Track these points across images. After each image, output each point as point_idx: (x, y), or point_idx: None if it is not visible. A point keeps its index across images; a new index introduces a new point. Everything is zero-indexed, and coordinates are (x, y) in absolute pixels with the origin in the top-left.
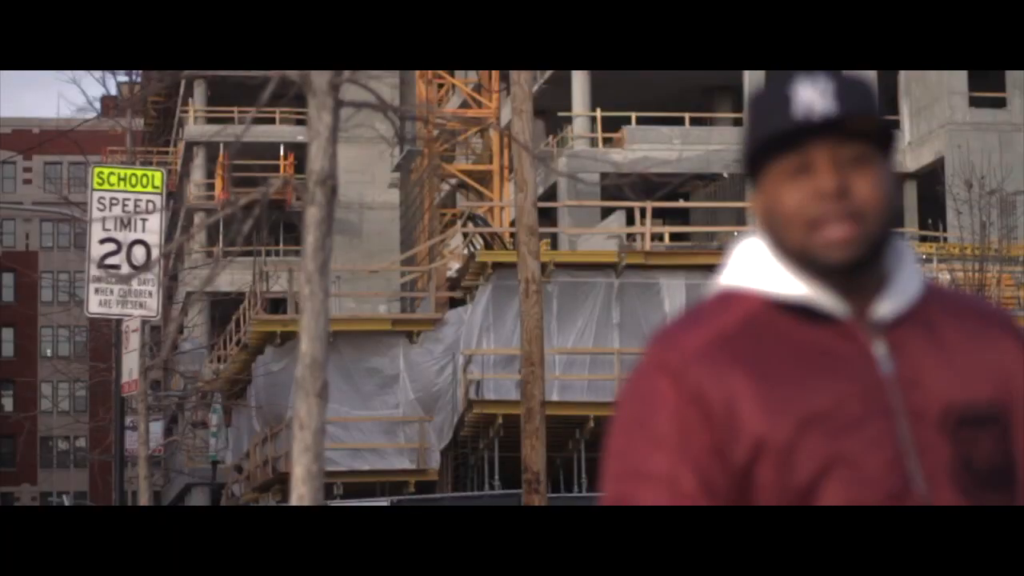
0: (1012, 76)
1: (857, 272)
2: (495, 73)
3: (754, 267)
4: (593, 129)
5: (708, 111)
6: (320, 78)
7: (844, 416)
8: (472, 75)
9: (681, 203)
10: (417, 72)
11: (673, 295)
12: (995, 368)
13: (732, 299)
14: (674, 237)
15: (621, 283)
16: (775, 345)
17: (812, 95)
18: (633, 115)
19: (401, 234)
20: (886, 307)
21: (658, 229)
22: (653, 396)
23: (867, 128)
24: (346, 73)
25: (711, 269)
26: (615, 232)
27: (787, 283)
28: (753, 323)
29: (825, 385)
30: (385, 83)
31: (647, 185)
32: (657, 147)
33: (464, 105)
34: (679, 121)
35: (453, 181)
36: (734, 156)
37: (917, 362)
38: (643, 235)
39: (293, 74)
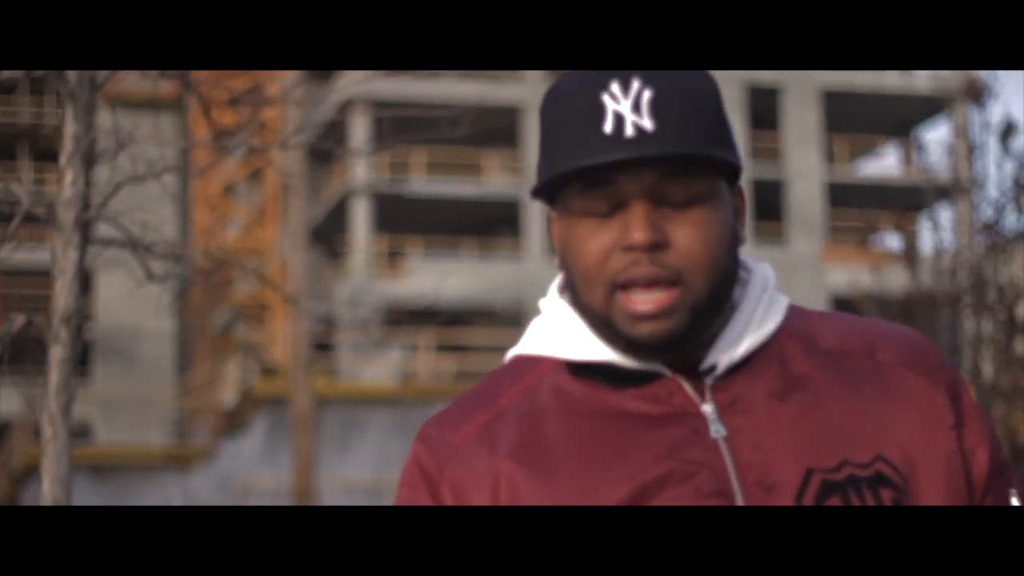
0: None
1: (674, 348)
2: (274, 200)
3: (551, 326)
4: (374, 259)
5: (490, 243)
6: (67, 214)
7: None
8: (254, 200)
9: (462, 336)
10: (196, 197)
11: None
12: (890, 416)
13: (519, 369)
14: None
15: (401, 415)
16: (565, 425)
17: (624, 107)
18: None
19: (178, 362)
20: (720, 355)
21: (446, 364)
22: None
23: (697, 159)
24: (93, 210)
25: None
26: (407, 363)
27: (587, 343)
28: (537, 399)
29: (631, 466)
30: (127, 213)
31: (428, 317)
32: (439, 278)
33: (245, 232)
34: (462, 254)
35: (231, 311)
36: (513, 292)
37: (764, 419)
38: (424, 368)
39: (39, 209)
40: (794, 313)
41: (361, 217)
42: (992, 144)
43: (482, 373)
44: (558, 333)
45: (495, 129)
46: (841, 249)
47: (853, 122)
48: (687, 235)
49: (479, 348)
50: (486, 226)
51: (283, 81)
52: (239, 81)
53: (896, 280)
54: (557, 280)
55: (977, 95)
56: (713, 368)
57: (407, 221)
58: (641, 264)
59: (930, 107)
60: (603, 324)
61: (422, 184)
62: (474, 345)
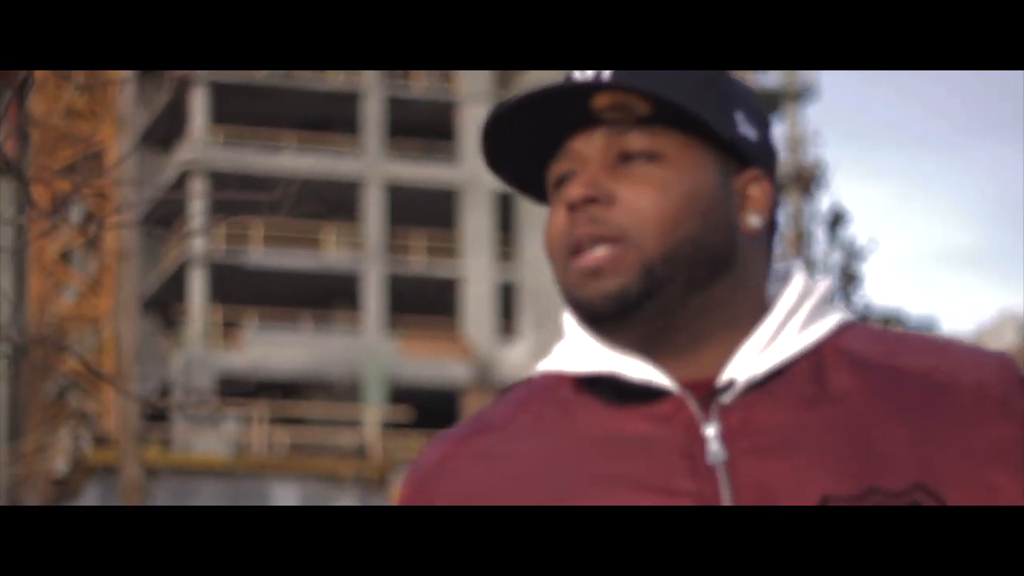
0: None
1: (636, 318)
2: (109, 269)
3: (563, 342)
4: (210, 329)
5: (326, 316)
6: None
7: None
8: (90, 267)
9: (297, 408)
10: (33, 261)
11: (286, 501)
12: (942, 443)
13: (530, 386)
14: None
15: (233, 487)
16: (547, 449)
17: (587, 72)
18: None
19: (9, 429)
20: (739, 370)
21: (282, 435)
22: None
23: (645, 107)
24: None
25: (326, 476)
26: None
27: (591, 355)
28: (532, 415)
29: (603, 497)
30: None
31: (263, 389)
32: (275, 350)
33: (79, 298)
34: (299, 326)
35: (65, 379)
36: (349, 365)
37: (780, 439)
38: (258, 440)
39: None
40: (852, 328)
41: (197, 287)
42: (820, 233)
43: (317, 447)
44: (565, 347)
45: (333, 202)
46: None
47: None
48: (633, 190)
49: (314, 421)
50: (323, 299)
51: (119, 149)
52: (72, 151)
53: None
54: None
55: (806, 184)
56: (730, 385)
57: (244, 292)
58: (579, 224)
59: None
60: (569, 302)
61: (259, 255)
62: (309, 418)
